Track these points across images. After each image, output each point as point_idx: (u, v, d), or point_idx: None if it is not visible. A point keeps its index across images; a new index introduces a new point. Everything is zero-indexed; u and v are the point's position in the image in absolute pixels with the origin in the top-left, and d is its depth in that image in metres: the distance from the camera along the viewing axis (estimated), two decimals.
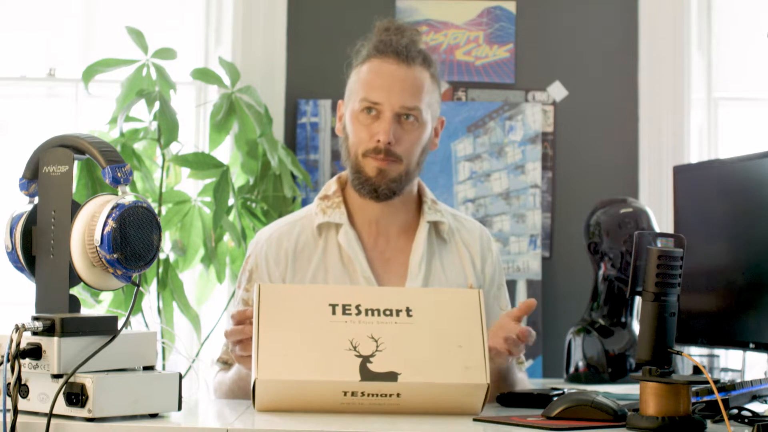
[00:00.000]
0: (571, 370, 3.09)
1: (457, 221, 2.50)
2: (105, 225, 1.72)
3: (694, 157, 3.73)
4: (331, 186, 2.45)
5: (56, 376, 1.73)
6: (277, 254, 2.39)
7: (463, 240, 2.47)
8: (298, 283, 2.35)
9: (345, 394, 1.93)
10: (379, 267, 2.39)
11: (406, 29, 2.41)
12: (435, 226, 2.44)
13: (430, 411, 1.96)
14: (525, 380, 2.50)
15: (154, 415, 1.81)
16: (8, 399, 1.69)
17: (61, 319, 1.73)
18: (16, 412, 1.69)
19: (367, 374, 1.92)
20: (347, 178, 2.43)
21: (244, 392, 2.22)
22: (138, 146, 3.36)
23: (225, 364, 2.39)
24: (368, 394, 1.93)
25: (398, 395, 1.94)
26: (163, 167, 3.36)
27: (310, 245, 2.39)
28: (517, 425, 1.85)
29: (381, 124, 2.32)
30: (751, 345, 2.39)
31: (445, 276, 2.41)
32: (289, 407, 1.94)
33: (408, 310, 1.99)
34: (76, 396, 1.72)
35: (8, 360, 1.70)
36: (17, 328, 1.71)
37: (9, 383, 1.70)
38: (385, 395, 1.94)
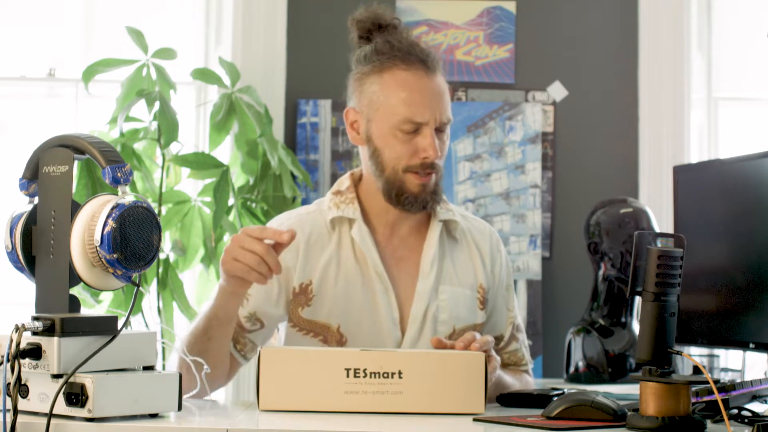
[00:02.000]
0: (571, 370, 3.09)
1: (467, 221, 2.49)
2: (105, 225, 1.72)
3: (694, 157, 3.73)
4: (344, 182, 2.43)
5: (56, 376, 1.73)
6: None
7: (474, 240, 2.46)
8: (308, 271, 2.35)
9: (348, 373, 1.95)
10: (391, 265, 2.38)
11: (390, 24, 2.35)
12: (446, 225, 2.43)
13: (434, 392, 1.97)
14: (530, 382, 2.50)
15: (154, 415, 1.81)
16: (8, 399, 1.69)
17: (61, 319, 1.73)
18: (16, 412, 1.69)
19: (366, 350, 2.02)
20: (360, 175, 2.42)
21: (202, 334, 2.23)
22: (138, 146, 3.36)
23: None
24: (370, 374, 1.95)
25: (400, 374, 1.96)
26: (163, 167, 3.36)
27: (323, 237, 2.37)
28: (517, 425, 1.85)
29: (425, 139, 2.29)
30: (751, 345, 2.39)
31: (457, 276, 2.40)
32: (291, 388, 1.95)
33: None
34: (76, 396, 1.72)
35: (8, 360, 1.70)
36: (17, 328, 1.71)
37: (9, 383, 1.70)
38: (387, 375, 1.95)
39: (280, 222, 2.42)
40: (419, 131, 2.30)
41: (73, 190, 1.85)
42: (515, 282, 3.65)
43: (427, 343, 2.32)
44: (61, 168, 1.81)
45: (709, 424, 1.84)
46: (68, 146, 1.82)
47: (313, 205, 2.46)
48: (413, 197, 2.33)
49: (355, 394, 1.96)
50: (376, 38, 2.35)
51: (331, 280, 2.34)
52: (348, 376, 1.96)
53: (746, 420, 1.88)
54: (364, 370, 1.97)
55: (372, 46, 2.34)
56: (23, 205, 1.87)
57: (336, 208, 2.39)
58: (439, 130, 2.31)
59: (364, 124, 2.35)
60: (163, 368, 3.11)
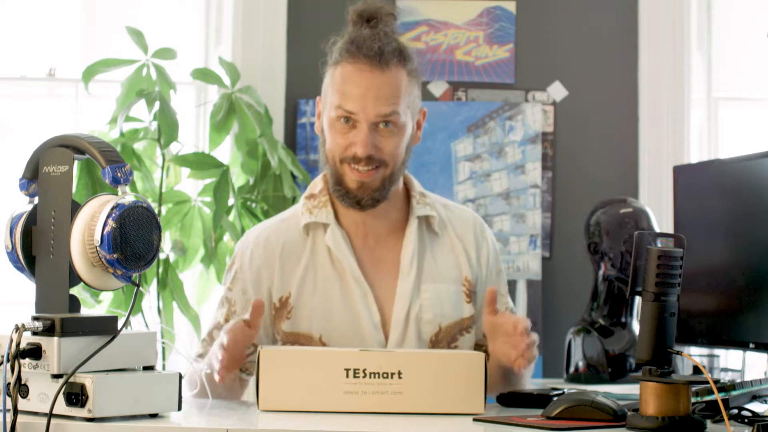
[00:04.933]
0: (571, 370, 3.09)
1: (448, 211, 2.46)
2: (105, 225, 1.72)
3: (694, 157, 3.73)
4: (317, 184, 2.40)
5: (56, 376, 1.73)
6: (266, 255, 2.34)
7: (456, 232, 2.42)
8: (286, 284, 2.32)
9: (347, 374, 1.94)
10: (369, 267, 2.34)
11: (380, 17, 2.33)
12: (425, 220, 2.40)
13: (434, 392, 1.97)
14: (527, 377, 2.49)
15: (154, 415, 1.81)
16: (8, 399, 1.70)
17: (61, 319, 1.73)
18: (16, 412, 1.69)
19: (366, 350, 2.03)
20: None
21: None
22: (138, 146, 3.36)
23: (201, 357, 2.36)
24: (369, 374, 1.95)
25: (400, 375, 1.96)
26: (163, 167, 3.36)
27: (298, 246, 2.35)
28: (517, 425, 1.85)
29: (358, 134, 2.27)
30: (751, 345, 2.39)
31: (439, 271, 2.37)
32: (291, 388, 1.95)
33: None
34: (76, 396, 1.72)
35: (8, 360, 1.70)
36: (17, 328, 1.71)
37: (9, 383, 1.70)
38: (387, 375, 1.95)
39: (257, 233, 2.40)
40: (355, 125, 2.28)
41: (73, 190, 1.85)
42: (515, 282, 3.65)
43: (413, 346, 2.30)
44: (61, 168, 1.81)
45: (709, 424, 1.84)
46: (68, 146, 1.82)
47: (290, 210, 2.45)
48: (346, 191, 2.31)
49: (355, 394, 1.96)
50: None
51: (309, 289, 2.32)
52: (347, 376, 1.96)
53: (746, 420, 1.88)
54: (364, 371, 1.97)
55: (340, 39, 2.35)
56: (23, 205, 1.87)
57: (309, 213, 2.36)
58: (379, 127, 2.27)
59: (321, 112, 2.36)
60: (163, 368, 3.11)
